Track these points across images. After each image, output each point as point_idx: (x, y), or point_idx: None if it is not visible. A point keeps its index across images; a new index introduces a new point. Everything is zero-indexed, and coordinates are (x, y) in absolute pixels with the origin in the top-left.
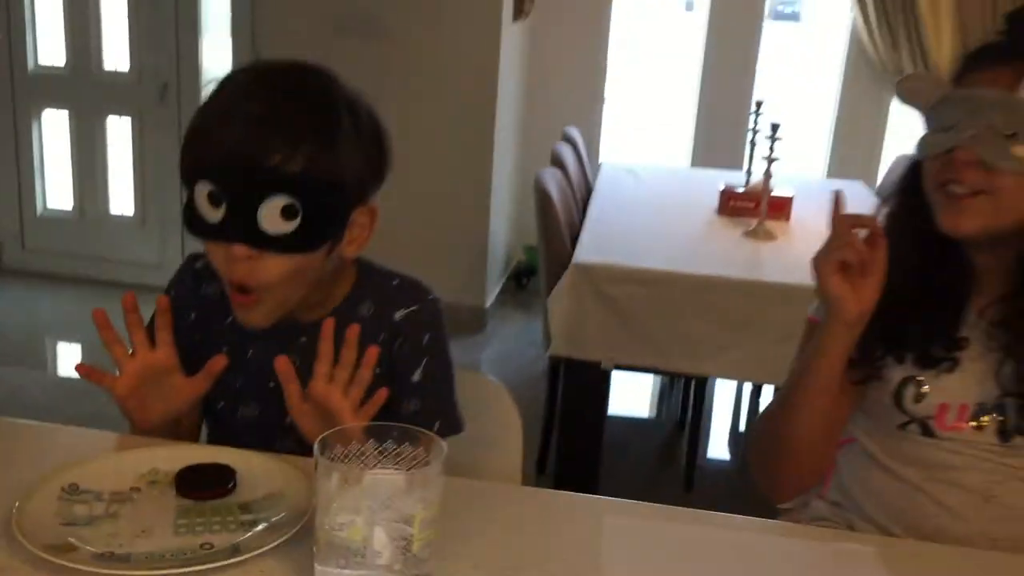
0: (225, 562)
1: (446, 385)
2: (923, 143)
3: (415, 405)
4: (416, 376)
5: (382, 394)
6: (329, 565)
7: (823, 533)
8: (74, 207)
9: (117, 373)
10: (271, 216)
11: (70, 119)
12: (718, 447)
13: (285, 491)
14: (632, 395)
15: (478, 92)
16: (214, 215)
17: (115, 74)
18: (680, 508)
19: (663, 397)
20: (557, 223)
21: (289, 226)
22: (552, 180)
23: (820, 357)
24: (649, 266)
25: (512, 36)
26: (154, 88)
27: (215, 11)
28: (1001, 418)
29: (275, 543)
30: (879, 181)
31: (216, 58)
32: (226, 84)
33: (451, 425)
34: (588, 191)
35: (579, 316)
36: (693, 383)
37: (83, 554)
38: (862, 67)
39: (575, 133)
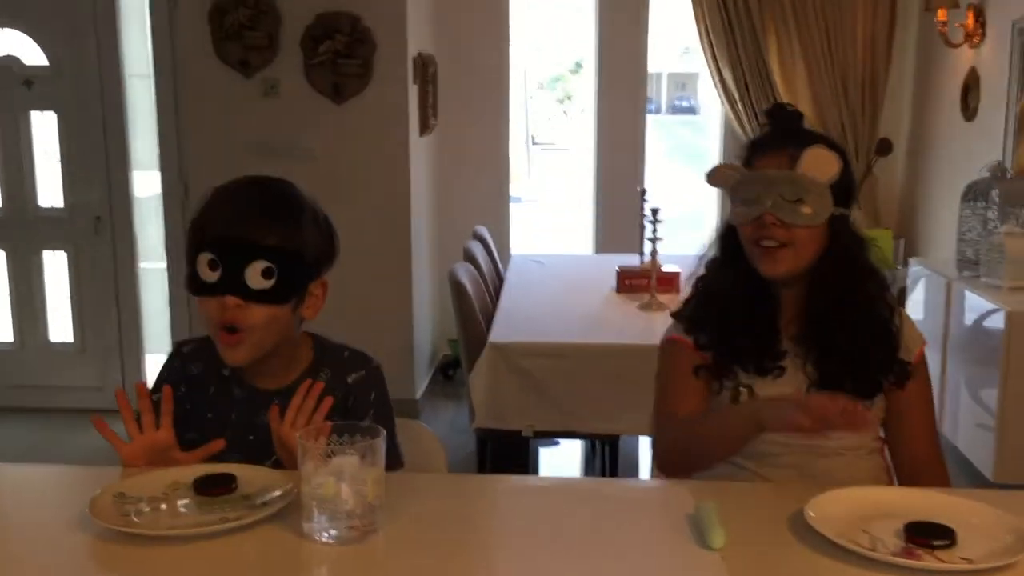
0: (238, 523)
1: (389, 430)
2: (735, 214)
3: None
4: (365, 424)
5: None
6: (312, 520)
7: (651, 481)
8: (14, 339)
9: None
10: (254, 276)
11: (7, 256)
12: None
13: (274, 485)
14: (558, 467)
15: (393, 201)
16: (212, 277)
17: (50, 210)
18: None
19: (588, 464)
20: (472, 309)
21: (267, 283)
22: (464, 272)
23: (739, 443)
24: (557, 340)
25: (420, 149)
26: (88, 221)
27: (143, 145)
28: None
29: (273, 510)
30: None
31: (147, 189)
32: (219, 189)
33: (393, 459)
34: (500, 281)
35: (498, 390)
36: (608, 447)
37: (141, 526)
38: (738, 152)
39: (483, 231)
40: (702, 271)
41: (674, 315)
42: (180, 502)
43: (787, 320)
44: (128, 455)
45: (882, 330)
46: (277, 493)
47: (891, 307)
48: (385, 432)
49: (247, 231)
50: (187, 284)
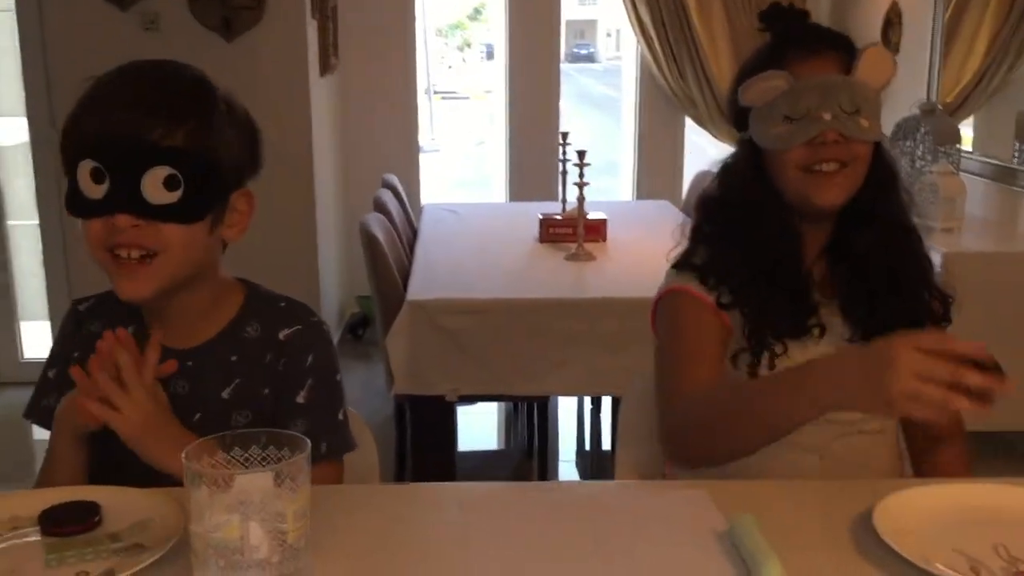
0: None
1: (332, 406)
2: (776, 136)
3: (301, 426)
4: (300, 398)
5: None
6: (209, 571)
7: (661, 484)
8: None
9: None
10: (154, 186)
11: None
12: (567, 470)
13: (153, 516)
14: (479, 428)
15: (294, 148)
16: (97, 192)
17: None
18: (533, 483)
19: (509, 427)
20: (387, 265)
21: (172, 196)
22: (377, 224)
23: (792, 425)
24: (480, 296)
25: (320, 90)
26: None
27: (6, 89)
28: None
29: (151, 559)
30: (684, 198)
31: (13, 137)
32: (102, 77)
33: (339, 445)
34: (414, 234)
35: (418, 353)
36: (536, 409)
37: None
38: (656, 97)
39: (394, 180)
40: (699, 220)
41: (677, 265)
42: (18, 549)
43: (809, 264)
44: (128, 428)
45: (926, 264)
46: (156, 535)
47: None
48: (309, 445)
49: (140, 127)
50: (66, 203)
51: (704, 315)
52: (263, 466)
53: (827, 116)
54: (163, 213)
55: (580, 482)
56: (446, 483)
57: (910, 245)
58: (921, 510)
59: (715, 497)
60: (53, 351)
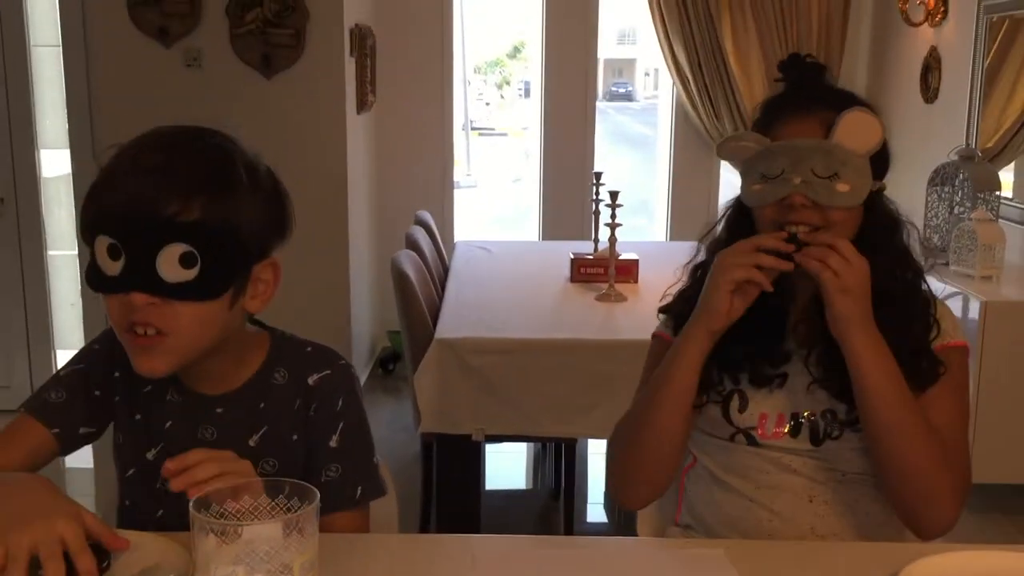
0: None
1: (364, 449)
2: (755, 194)
3: (335, 472)
4: (333, 442)
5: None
6: None
7: (678, 542)
8: None
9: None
10: (169, 264)
11: None
12: (595, 511)
13: (162, 563)
14: (507, 468)
15: (329, 184)
16: (114, 268)
17: None
18: (548, 537)
19: (537, 467)
20: (417, 302)
21: (189, 274)
22: (408, 261)
23: (680, 362)
24: (509, 335)
25: (357, 127)
26: None
27: (51, 122)
28: (813, 422)
29: None
30: None
31: (55, 169)
32: (124, 147)
33: (373, 489)
34: (445, 271)
35: (446, 391)
36: (563, 449)
37: None
38: (691, 137)
39: (427, 216)
40: (702, 258)
41: (661, 310)
42: None
43: (796, 319)
44: None
45: (917, 328)
46: None
47: (927, 298)
48: (318, 495)
49: (155, 203)
50: (86, 276)
51: None
52: (272, 516)
53: (796, 180)
54: (179, 291)
55: (596, 538)
56: (460, 535)
57: (906, 305)
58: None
59: (733, 557)
60: (84, 352)
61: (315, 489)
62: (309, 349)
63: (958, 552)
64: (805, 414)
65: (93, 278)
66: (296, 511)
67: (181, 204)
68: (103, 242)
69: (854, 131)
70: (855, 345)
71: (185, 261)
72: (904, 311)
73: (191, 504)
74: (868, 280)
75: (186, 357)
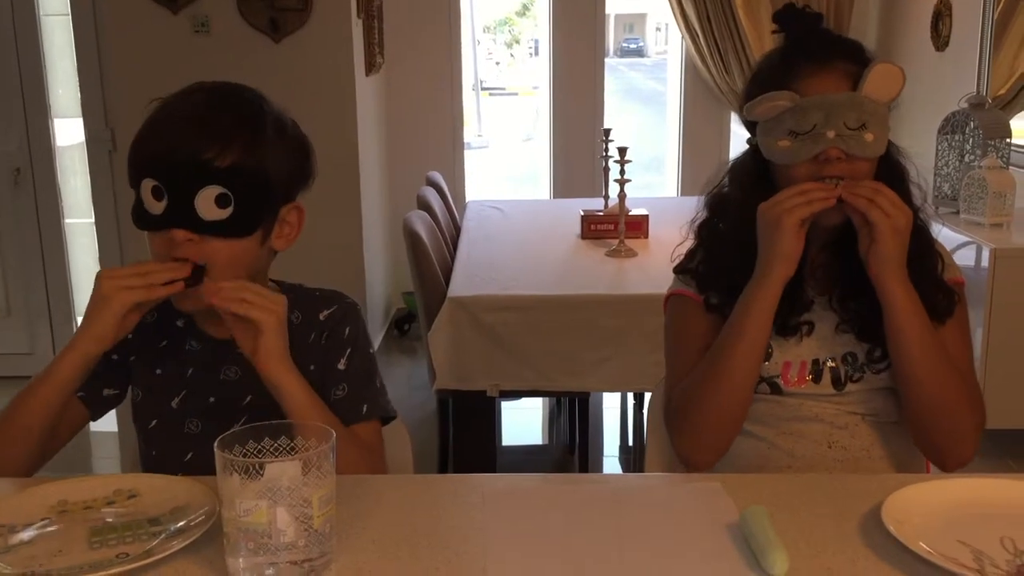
0: (141, 563)
1: (370, 373)
2: (785, 151)
3: (342, 391)
4: (341, 365)
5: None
6: (239, 553)
7: (679, 477)
8: None
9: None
10: (207, 204)
11: None
12: (610, 464)
13: (190, 502)
14: (522, 424)
15: (340, 146)
16: (157, 208)
17: None
18: (553, 475)
19: (552, 422)
20: (429, 261)
21: (224, 213)
22: (420, 221)
23: (756, 315)
24: (521, 292)
25: (366, 89)
26: (7, 174)
27: (63, 91)
28: (834, 368)
29: (187, 542)
30: None
31: (70, 137)
32: (166, 100)
33: (378, 408)
34: (457, 231)
35: (460, 348)
36: (577, 404)
37: (6, 570)
38: (701, 93)
39: (438, 177)
40: (705, 215)
41: (678, 270)
42: (64, 531)
43: (813, 265)
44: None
45: (930, 263)
46: (191, 519)
47: (931, 240)
48: (334, 435)
49: (193, 149)
50: (132, 215)
51: (700, 316)
52: (291, 455)
53: (831, 134)
54: (215, 228)
55: (598, 475)
56: (470, 474)
57: (916, 240)
58: (929, 504)
59: (729, 489)
60: None
61: (331, 430)
62: (318, 293)
63: (943, 480)
64: (827, 360)
65: (139, 217)
66: (314, 449)
67: (217, 150)
68: (148, 184)
69: (881, 82)
70: (894, 286)
71: (220, 201)
72: (916, 245)
73: (216, 444)
74: (911, 224)
75: None
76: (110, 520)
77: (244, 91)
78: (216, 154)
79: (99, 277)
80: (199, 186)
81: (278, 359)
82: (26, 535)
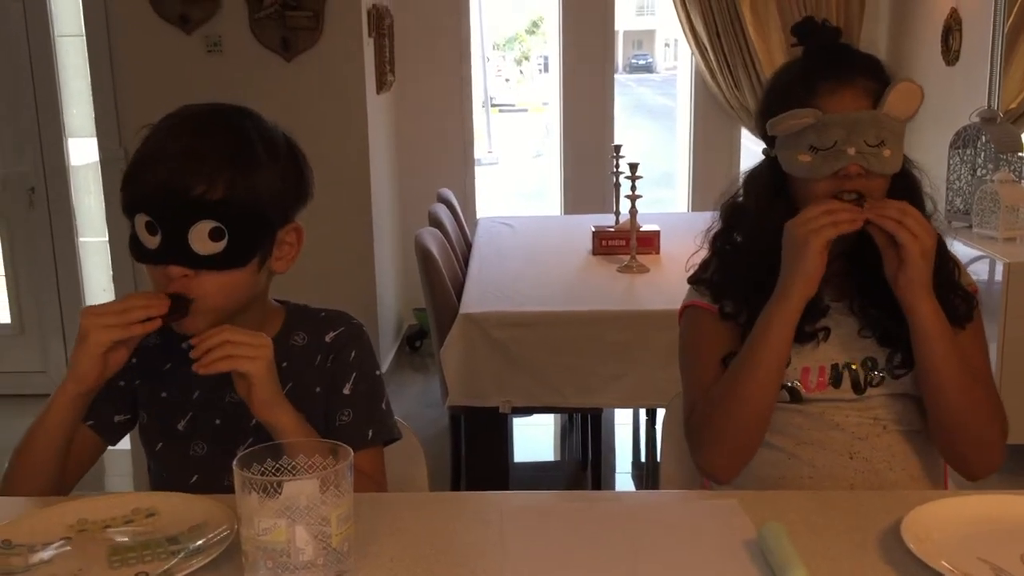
0: None
1: (375, 396)
2: (806, 166)
3: (347, 416)
4: (346, 389)
5: None
6: (258, 572)
7: (696, 494)
8: None
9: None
10: (200, 239)
11: None
12: (623, 481)
13: (208, 521)
14: (535, 440)
15: (352, 164)
16: (152, 242)
17: None
18: (569, 492)
19: (565, 439)
20: (441, 278)
21: (218, 247)
22: (431, 238)
23: (778, 330)
24: (533, 308)
25: (377, 107)
26: (21, 193)
27: (78, 111)
28: (853, 372)
29: (206, 560)
30: None
31: (84, 157)
32: (154, 130)
33: (383, 432)
34: (468, 247)
35: (472, 365)
36: (590, 421)
37: None
38: (711, 108)
39: (449, 194)
40: (720, 225)
41: (692, 281)
42: (84, 550)
43: (828, 272)
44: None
45: (947, 268)
46: (210, 538)
47: (946, 246)
48: (352, 453)
49: (184, 185)
50: (130, 248)
51: (715, 326)
52: (309, 473)
53: (851, 151)
54: (210, 263)
55: (615, 492)
56: (487, 492)
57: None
58: (948, 520)
59: (745, 506)
60: None
61: (348, 448)
62: (323, 314)
63: (962, 496)
64: (846, 364)
65: (135, 249)
66: (331, 468)
67: (208, 183)
68: (142, 219)
69: (901, 100)
70: (924, 309)
71: (214, 235)
72: (935, 252)
73: (235, 463)
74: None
75: (220, 316)
76: (128, 539)
77: (232, 115)
78: (207, 188)
79: (81, 314)
80: (192, 221)
81: (272, 405)
82: (46, 554)
